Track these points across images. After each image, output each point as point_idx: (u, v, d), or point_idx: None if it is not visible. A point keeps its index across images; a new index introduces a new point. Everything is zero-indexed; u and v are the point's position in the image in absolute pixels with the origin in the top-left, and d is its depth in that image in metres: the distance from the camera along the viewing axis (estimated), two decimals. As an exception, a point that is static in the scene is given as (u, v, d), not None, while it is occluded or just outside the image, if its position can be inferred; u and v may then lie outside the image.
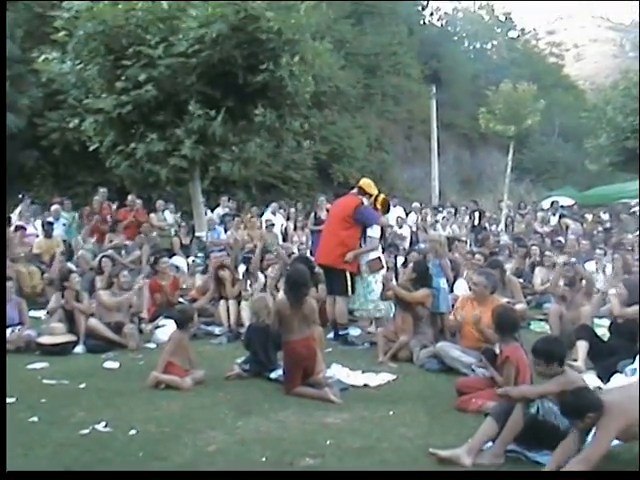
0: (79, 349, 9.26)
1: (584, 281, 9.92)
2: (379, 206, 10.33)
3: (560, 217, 20.43)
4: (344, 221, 9.98)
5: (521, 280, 11.96)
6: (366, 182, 10.41)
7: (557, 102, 41.06)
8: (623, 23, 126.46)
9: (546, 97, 24.52)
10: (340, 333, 9.86)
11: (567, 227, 19.01)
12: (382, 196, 10.52)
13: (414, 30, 37.80)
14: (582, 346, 8.34)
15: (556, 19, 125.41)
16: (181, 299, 11.20)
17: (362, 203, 10.02)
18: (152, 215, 16.16)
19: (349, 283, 9.86)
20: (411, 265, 10.38)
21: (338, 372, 7.93)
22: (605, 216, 22.65)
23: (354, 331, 10.32)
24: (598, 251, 13.81)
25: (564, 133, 43.28)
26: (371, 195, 10.22)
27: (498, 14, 53.45)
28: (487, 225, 19.21)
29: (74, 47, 12.77)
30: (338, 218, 10.17)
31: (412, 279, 9.48)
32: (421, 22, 43.11)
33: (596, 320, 9.55)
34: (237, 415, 6.40)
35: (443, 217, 19.54)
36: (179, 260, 13.64)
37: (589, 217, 22.01)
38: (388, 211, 11.02)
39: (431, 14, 45.27)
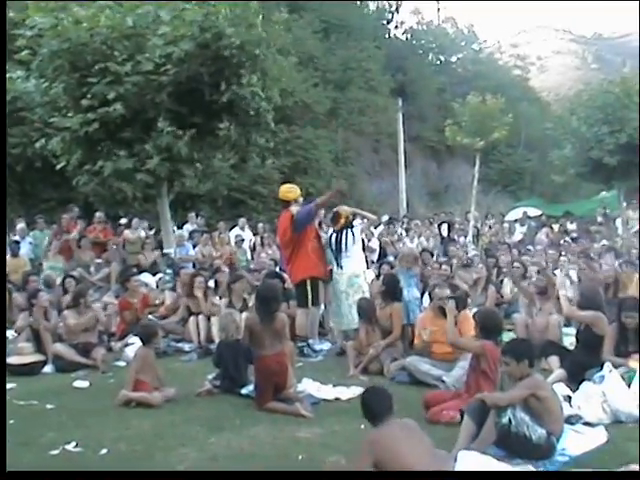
0: (48, 369, 9.18)
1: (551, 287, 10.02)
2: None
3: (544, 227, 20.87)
4: (282, 241, 10.37)
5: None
6: (280, 190, 10.47)
7: (522, 114, 41.39)
8: (585, 36, 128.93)
9: (511, 109, 24.66)
10: (298, 345, 9.77)
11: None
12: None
13: (380, 44, 37.92)
14: (554, 361, 8.52)
15: (519, 32, 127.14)
16: (150, 316, 11.13)
17: (293, 214, 9.99)
18: (127, 232, 15.91)
19: (309, 296, 9.94)
20: (381, 278, 10.42)
21: (309, 386, 7.94)
22: (572, 226, 22.89)
23: (325, 345, 10.31)
24: (562, 258, 13.99)
25: (530, 144, 43.63)
26: (295, 200, 10.19)
27: (462, 27, 53.84)
28: (456, 237, 19.28)
29: (38, 65, 12.67)
30: (279, 238, 10.60)
31: (382, 292, 9.53)
32: (386, 36, 43.29)
33: (564, 329, 9.62)
34: (209, 432, 6.40)
35: (410, 229, 19.66)
36: (147, 277, 13.55)
37: (556, 227, 22.21)
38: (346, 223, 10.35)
39: (396, 27, 45.48)
